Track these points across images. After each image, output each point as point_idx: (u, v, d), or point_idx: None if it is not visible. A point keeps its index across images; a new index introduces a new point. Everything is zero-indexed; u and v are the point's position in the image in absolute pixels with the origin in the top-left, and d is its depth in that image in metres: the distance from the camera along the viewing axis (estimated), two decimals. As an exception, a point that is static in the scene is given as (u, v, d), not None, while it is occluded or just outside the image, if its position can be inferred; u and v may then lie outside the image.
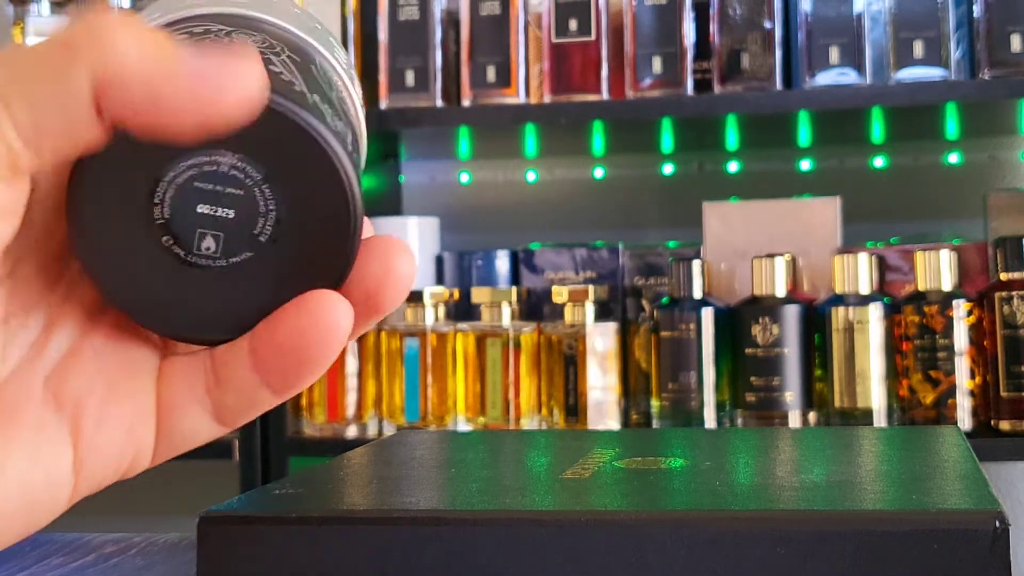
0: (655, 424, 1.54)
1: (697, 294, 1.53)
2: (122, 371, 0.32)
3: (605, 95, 1.57)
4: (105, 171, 0.31)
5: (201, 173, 0.31)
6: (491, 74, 1.59)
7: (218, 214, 0.32)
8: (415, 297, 1.58)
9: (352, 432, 1.61)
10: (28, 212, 0.31)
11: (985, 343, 1.46)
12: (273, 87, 0.30)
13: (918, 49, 1.51)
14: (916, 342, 1.47)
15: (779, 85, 1.54)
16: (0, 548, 0.31)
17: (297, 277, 0.32)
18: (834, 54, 1.52)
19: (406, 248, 0.32)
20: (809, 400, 1.50)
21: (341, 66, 0.36)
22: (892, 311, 1.49)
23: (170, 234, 0.32)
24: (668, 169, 1.81)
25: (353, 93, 0.36)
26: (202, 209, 0.32)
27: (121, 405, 0.32)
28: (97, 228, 0.32)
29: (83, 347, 0.32)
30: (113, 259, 0.32)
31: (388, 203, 1.83)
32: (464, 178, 1.87)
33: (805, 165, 1.78)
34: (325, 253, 0.32)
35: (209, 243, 0.32)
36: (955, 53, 1.52)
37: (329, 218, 0.32)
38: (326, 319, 0.31)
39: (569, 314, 1.55)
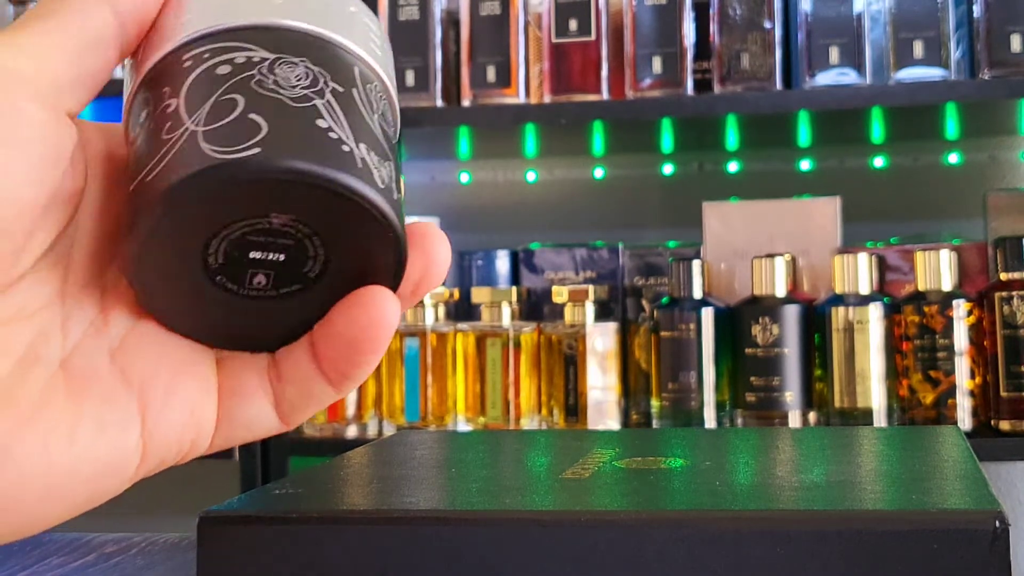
0: (655, 424, 1.54)
1: (697, 294, 1.53)
2: (184, 355, 0.34)
3: (605, 95, 1.57)
4: (160, 235, 0.32)
5: (254, 230, 0.32)
6: (491, 74, 1.59)
7: (269, 258, 0.33)
8: (415, 297, 1.57)
9: (352, 432, 1.61)
10: (82, 198, 0.33)
11: (985, 343, 1.46)
12: (321, 155, 0.31)
13: (918, 49, 1.51)
14: (916, 342, 1.47)
15: (779, 85, 1.54)
16: (66, 518, 0.32)
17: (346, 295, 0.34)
18: (834, 54, 1.52)
19: (443, 236, 0.35)
20: (809, 400, 1.50)
21: (377, 52, 0.36)
22: (892, 311, 1.49)
23: (224, 275, 0.33)
24: (668, 169, 1.81)
25: (388, 81, 0.36)
26: (254, 255, 0.33)
27: (186, 386, 0.34)
28: (153, 281, 0.33)
29: (144, 330, 0.34)
30: (171, 302, 0.34)
31: (388, 203, 1.83)
32: (464, 178, 1.87)
33: (805, 165, 1.78)
34: (372, 280, 0.34)
35: (260, 279, 0.33)
36: (955, 53, 1.52)
37: (376, 260, 0.33)
38: (377, 309, 0.33)
39: (569, 314, 1.55)
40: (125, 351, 0.34)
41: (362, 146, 0.32)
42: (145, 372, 0.33)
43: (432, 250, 0.34)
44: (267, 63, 0.33)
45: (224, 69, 0.32)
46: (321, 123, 0.32)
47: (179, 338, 0.34)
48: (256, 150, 0.30)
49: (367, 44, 0.35)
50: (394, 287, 0.34)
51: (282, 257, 0.33)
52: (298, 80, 0.32)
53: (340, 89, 0.33)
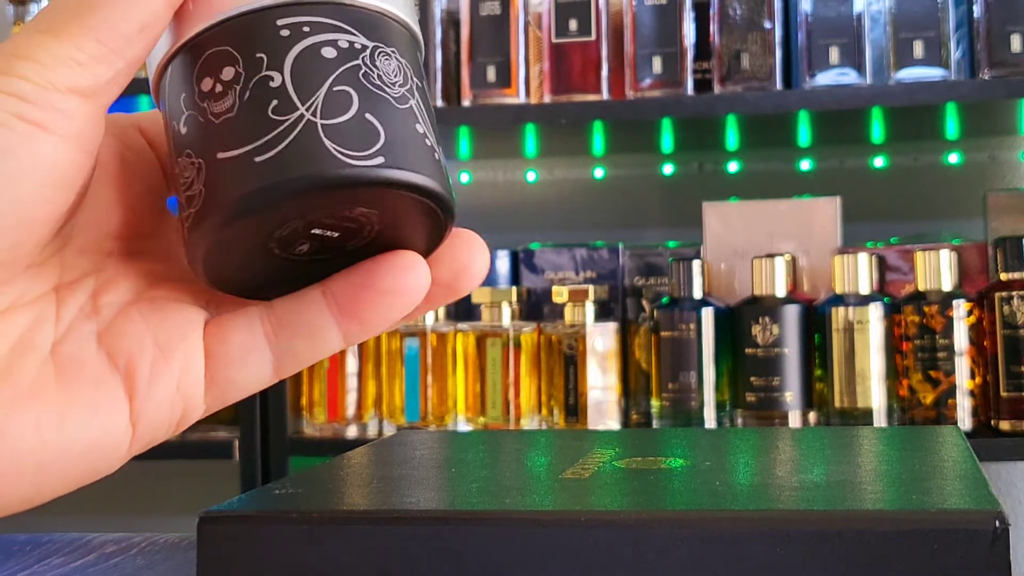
0: (655, 424, 1.54)
1: (697, 294, 1.53)
2: (169, 332, 0.35)
3: (605, 95, 1.57)
4: (257, 214, 0.32)
5: (330, 215, 0.33)
6: (491, 74, 1.59)
7: (326, 235, 0.34)
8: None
9: (352, 432, 1.61)
10: (90, 189, 0.34)
11: (985, 343, 1.46)
12: (427, 167, 0.32)
13: (918, 49, 1.51)
14: (916, 342, 1.47)
15: (779, 85, 1.54)
16: (62, 492, 0.33)
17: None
18: (834, 54, 1.52)
19: (484, 245, 0.36)
20: (809, 400, 1.50)
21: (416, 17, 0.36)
22: (892, 311, 1.49)
23: (277, 244, 0.34)
24: (668, 169, 1.81)
25: (420, 40, 0.36)
26: (315, 231, 0.33)
27: (170, 364, 0.34)
28: (217, 245, 0.33)
29: (131, 312, 0.35)
30: (222, 262, 0.34)
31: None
32: (464, 178, 1.87)
33: (805, 165, 1.78)
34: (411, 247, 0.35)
35: (305, 247, 0.34)
36: (955, 53, 1.52)
37: (422, 235, 0.34)
38: (403, 259, 0.34)
39: (569, 314, 1.55)
40: (111, 333, 0.34)
41: (438, 144, 0.34)
42: (131, 353, 0.34)
43: (474, 253, 0.36)
44: (367, 53, 0.33)
45: (329, 52, 0.32)
46: (419, 128, 0.33)
47: (165, 317, 0.35)
48: (380, 159, 0.32)
49: (415, 16, 0.36)
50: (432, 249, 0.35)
51: (337, 234, 0.34)
52: (395, 76, 0.33)
53: (419, 84, 0.34)
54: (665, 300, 1.55)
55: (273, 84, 0.32)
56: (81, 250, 0.35)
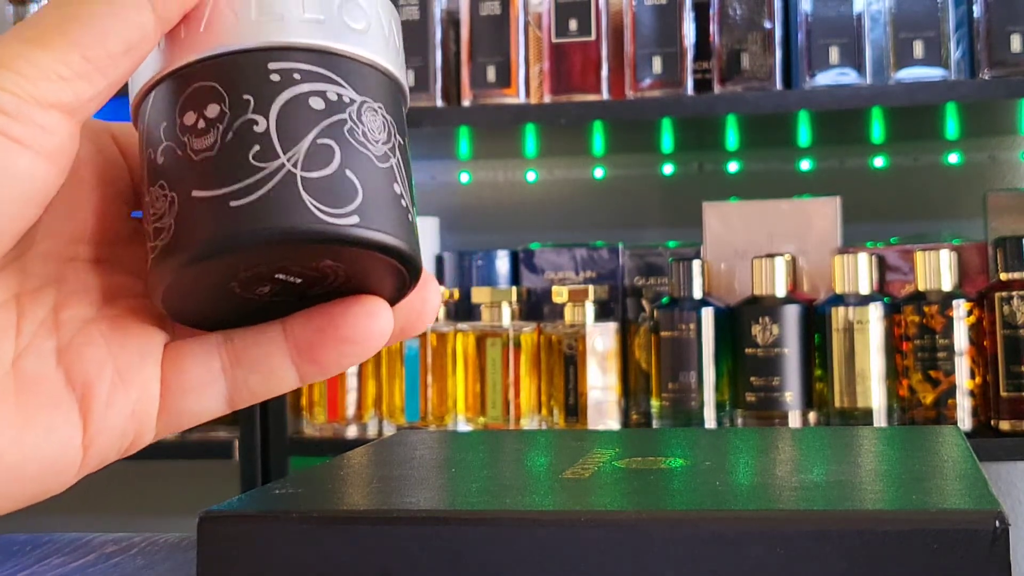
0: (655, 424, 1.54)
1: (697, 294, 1.53)
2: (129, 357, 0.34)
3: (605, 95, 1.57)
4: (225, 257, 0.32)
5: (297, 264, 0.33)
6: (491, 74, 1.59)
7: (290, 279, 0.34)
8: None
9: (352, 432, 1.61)
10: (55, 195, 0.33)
11: (985, 343, 1.46)
12: (400, 228, 0.33)
13: (918, 49, 1.51)
14: (916, 342, 1.47)
15: (779, 85, 1.54)
16: (9, 510, 0.33)
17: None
18: (834, 54, 1.52)
19: (437, 288, 0.37)
20: (809, 400, 1.50)
21: (398, 42, 0.36)
22: (892, 311, 1.49)
23: (239, 284, 0.34)
24: (668, 169, 1.81)
25: (403, 80, 0.36)
26: (279, 276, 0.33)
27: (128, 391, 0.34)
28: (180, 284, 0.33)
29: (92, 331, 0.34)
30: (183, 300, 0.34)
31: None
32: (464, 178, 1.87)
33: (805, 165, 1.78)
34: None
35: (265, 289, 0.34)
36: (955, 53, 1.52)
37: (387, 285, 0.34)
38: (365, 306, 0.34)
39: (569, 314, 1.55)
40: (70, 353, 0.34)
41: (413, 204, 0.34)
42: (88, 375, 0.34)
43: (429, 294, 0.36)
44: (355, 107, 0.33)
45: (317, 103, 0.32)
46: (396, 188, 0.33)
47: (126, 341, 0.34)
48: (355, 219, 0.32)
49: (404, 69, 0.36)
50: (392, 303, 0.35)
51: (301, 280, 0.34)
52: (379, 133, 0.33)
53: (401, 142, 0.34)
54: (665, 300, 1.55)
55: (257, 128, 0.32)
56: (44, 256, 0.34)
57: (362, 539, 0.40)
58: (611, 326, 1.58)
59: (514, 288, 1.58)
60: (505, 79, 1.59)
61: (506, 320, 1.57)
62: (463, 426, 1.57)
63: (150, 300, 0.34)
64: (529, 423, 1.56)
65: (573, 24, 1.58)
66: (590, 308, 1.54)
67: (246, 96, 0.32)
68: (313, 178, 0.31)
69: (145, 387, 0.34)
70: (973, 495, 0.41)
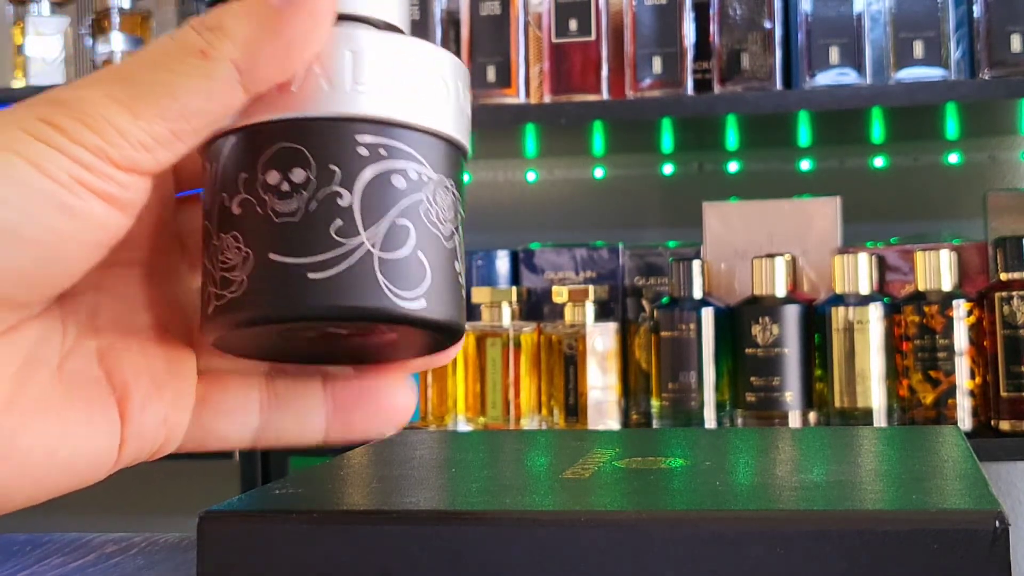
0: (655, 424, 1.54)
1: (697, 294, 1.53)
2: (165, 367, 0.36)
3: (605, 95, 1.57)
4: (290, 322, 0.33)
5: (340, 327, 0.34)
6: (491, 74, 1.59)
7: (339, 331, 0.35)
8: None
9: (352, 432, 1.61)
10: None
11: (985, 343, 1.46)
12: (458, 307, 0.34)
13: (918, 49, 1.51)
14: (916, 342, 1.47)
15: (779, 85, 1.54)
16: (53, 496, 0.35)
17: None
18: (834, 54, 1.52)
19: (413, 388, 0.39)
20: (809, 400, 1.50)
21: (462, 99, 0.36)
22: (892, 311, 1.49)
23: (290, 333, 0.35)
24: (668, 169, 1.81)
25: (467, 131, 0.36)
26: (329, 329, 0.34)
27: (162, 397, 0.36)
28: (234, 339, 0.34)
29: (129, 338, 0.36)
30: (239, 344, 0.35)
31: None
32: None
33: (805, 165, 1.78)
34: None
35: (313, 335, 0.35)
36: (955, 53, 1.52)
37: (429, 350, 0.36)
38: (406, 383, 0.38)
39: (569, 314, 1.55)
40: (111, 355, 0.35)
41: (463, 274, 0.35)
42: (127, 378, 0.35)
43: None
44: (431, 185, 0.33)
45: (399, 182, 0.33)
46: (456, 266, 0.34)
47: (162, 353, 0.36)
48: (422, 303, 0.33)
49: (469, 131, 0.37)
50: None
51: (350, 334, 0.35)
52: (448, 211, 0.34)
53: (463, 215, 0.35)
54: (665, 300, 1.55)
55: (341, 202, 0.32)
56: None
57: (362, 539, 0.40)
58: (611, 326, 1.58)
59: (514, 288, 1.58)
60: (505, 79, 1.59)
61: (506, 320, 1.57)
62: (463, 426, 1.57)
63: (187, 297, 0.36)
64: (529, 423, 1.56)
65: (573, 24, 1.58)
66: (590, 308, 1.54)
67: (332, 166, 0.32)
68: (389, 259, 0.32)
69: (179, 397, 0.36)
70: (973, 495, 0.41)
